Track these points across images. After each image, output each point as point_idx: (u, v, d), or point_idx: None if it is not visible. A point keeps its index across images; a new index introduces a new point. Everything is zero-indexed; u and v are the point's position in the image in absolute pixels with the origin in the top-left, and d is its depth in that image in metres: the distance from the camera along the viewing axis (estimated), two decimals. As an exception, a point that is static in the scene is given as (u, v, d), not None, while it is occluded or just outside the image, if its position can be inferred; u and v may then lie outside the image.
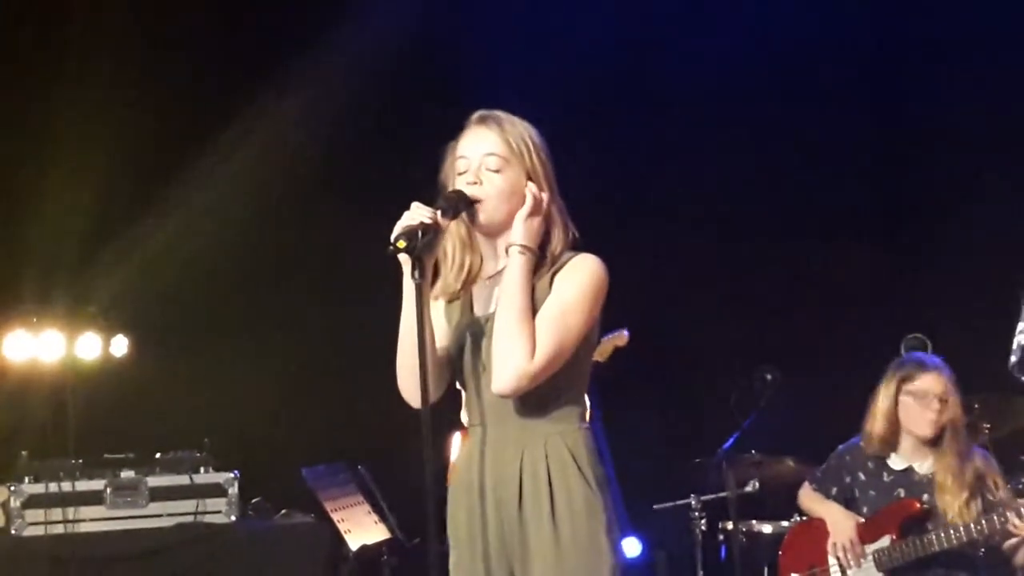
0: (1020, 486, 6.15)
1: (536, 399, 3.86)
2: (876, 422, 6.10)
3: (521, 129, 3.95)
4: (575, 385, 3.92)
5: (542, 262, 3.90)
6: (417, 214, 3.78)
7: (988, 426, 7.13)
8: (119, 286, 8.10)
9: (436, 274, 3.95)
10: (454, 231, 3.96)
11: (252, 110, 8.31)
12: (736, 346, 8.47)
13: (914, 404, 6.01)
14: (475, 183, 3.89)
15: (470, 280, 4.02)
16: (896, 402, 6.06)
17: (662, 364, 6.79)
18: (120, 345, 7.81)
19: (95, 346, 7.70)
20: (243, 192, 8.24)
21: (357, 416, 8.05)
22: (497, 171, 3.90)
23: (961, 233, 8.56)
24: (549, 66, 8.46)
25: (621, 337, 6.59)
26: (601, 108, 8.90)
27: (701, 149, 8.91)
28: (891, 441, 6.08)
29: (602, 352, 6.47)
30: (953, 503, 5.89)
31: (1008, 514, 5.71)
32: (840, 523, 6.12)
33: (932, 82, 8.81)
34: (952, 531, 5.82)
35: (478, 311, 3.98)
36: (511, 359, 3.78)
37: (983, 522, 5.79)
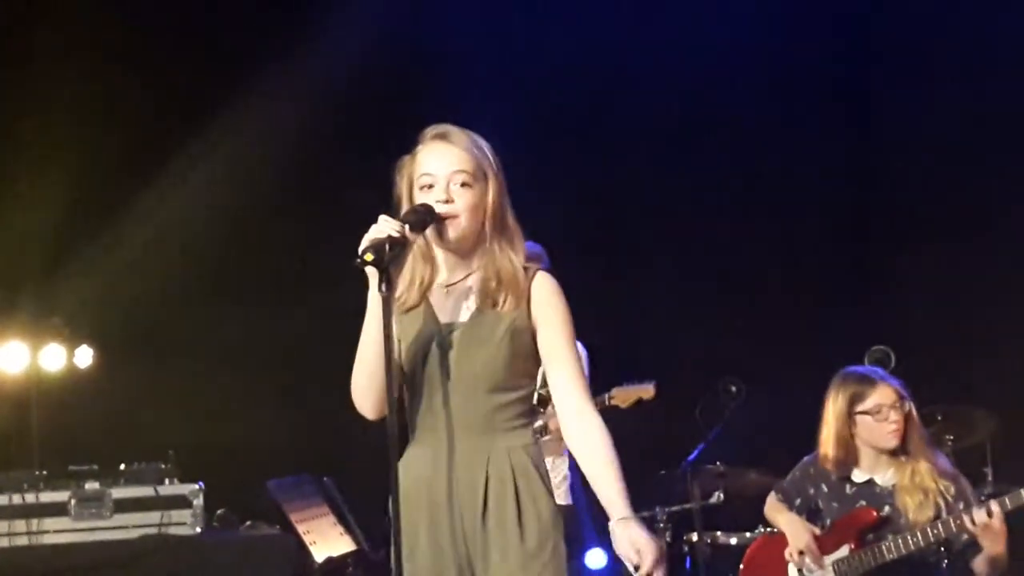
0: (983, 498, 6.16)
1: (499, 413, 3.92)
2: (830, 446, 6.07)
3: (481, 144, 4.02)
4: (531, 401, 4.01)
5: (515, 283, 3.95)
6: (385, 227, 3.79)
7: (951, 438, 7.18)
8: (84, 297, 8.09)
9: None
10: (414, 246, 3.97)
11: (216, 123, 8.32)
12: (701, 358, 8.50)
13: (872, 422, 5.99)
14: (448, 200, 3.93)
15: (425, 291, 4.04)
16: (850, 425, 6.04)
17: (627, 375, 6.78)
18: (84, 356, 7.80)
19: (59, 357, 7.68)
20: (208, 204, 8.25)
21: (322, 428, 8.04)
22: (467, 188, 3.94)
23: (924, 248, 8.61)
24: (514, 81, 8.49)
25: (648, 391, 6.62)
26: (567, 127, 8.93)
27: (668, 168, 8.95)
28: (848, 461, 6.08)
29: (625, 398, 6.52)
30: (911, 507, 5.90)
31: (963, 516, 5.73)
32: (798, 532, 6.13)
33: (898, 101, 8.87)
34: (909, 536, 5.83)
35: (443, 319, 4.00)
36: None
37: (939, 525, 5.80)
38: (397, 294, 3.98)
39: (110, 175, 8.23)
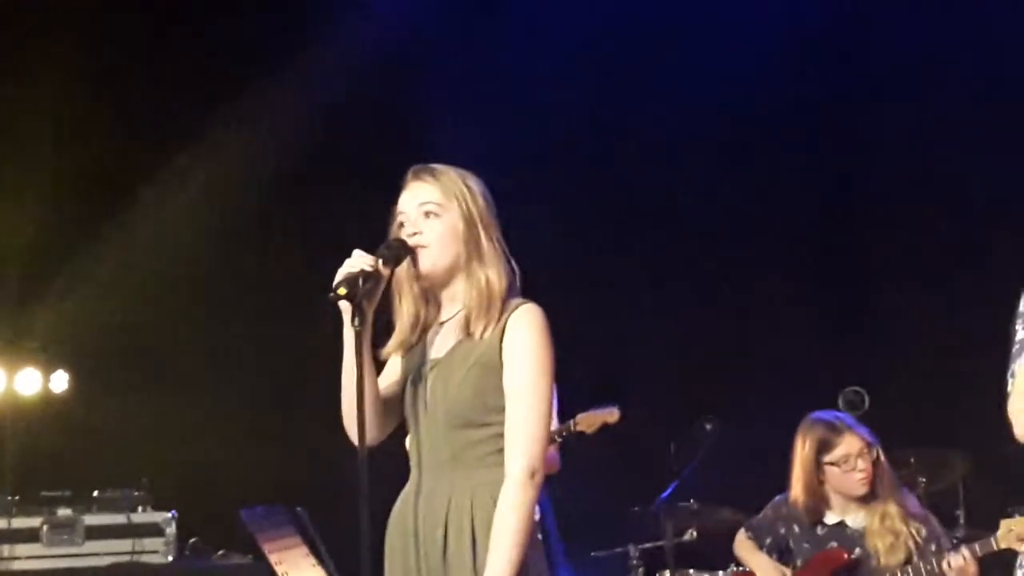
0: (955, 540, 6.17)
1: (468, 451, 3.89)
2: (799, 493, 6.10)
3: (455, 176, 4.00)
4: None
5: (490, 310, 3.92)
6: (358, 262, 3.82)
7: (924, 480, 7.20)
8: (60, 322, 8.07)
9: (376, 322, 3.96)
10: (407, 288, 4.00)
11: (194, 146, 8.31)
12: (676, 396, 8.51)
13: (839, 472, 6.01)
14: (415, 233, 3.93)
15: (425, 330, 4.06)
16: (817, 474, 6.06)
17: (596, 406, 6.78)
18: (60, 381, 7.79)
19: (35, 381, 7.67)
20: (185, 229, 8.24)
21: (296, 458, 8.04)
22: (433, 218, 3.94)
23: (899, 289, 8.65)
24: (502, 112, 8.50)
25: (612, 414, 6.59)
26: (550, 160, 8.94)
27: (647, 205, 8.96)
28: (819, 508, 6.10)
29: (589, 424, 6.49)
30: (882, 550, 5.91)
31: (938, 561, 5.74)
32: (769, 574, 6.15)
33: (881, 140, 8.91)
34: (879, 578, 5.87)
35: (432, 354, 4.01)
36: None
37: (910, 569, 5.82)
38: (399, 336, 4.02)
39: (85, 199, 8.22)
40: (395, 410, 4.04)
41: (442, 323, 4.03)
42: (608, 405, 6.57)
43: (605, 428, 6.59)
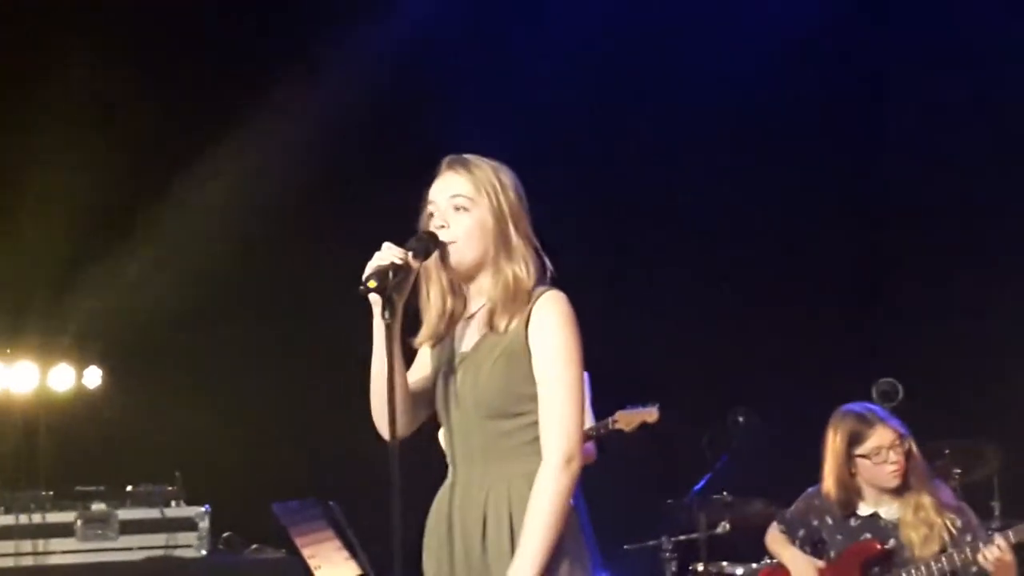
0: (990, 531, 6.14)
1: (502, 441, 3.90)
2: (831, 486, 6.07)
3: (488, 170, 3.99)
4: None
5: (514, 304, 3.92)
6: (388, 255, 3.82)
7: (958, 471, 7.16)
8: (93, 317, 8.09)
9: (405, 314, 3.96)
10: (435, 278, 4.01)
11: (227, 142, 8.33)
12: (708, 387, 8.49)
13: (871, 464, 5.98)
14: (443, 226, 3.93)
15: (453, 322, 4.06)
16: (849, 466, 6.03)
17: (635, 404, 6.78)
18: (93, 376, 7.80)
19: (68, 377, 7.69)
20: (217, 225, 8.26)
21: (329, 451, 8.05)
22: (463, 212, 3.94)
23: (934, 280, 8.61)
24: (522, 109, 8.50)
25: (651, 414, 6.60)
26: (577, 145, 8.94)
27: (677, 194, 8.95)
28: (851, 500, 6.08)
29: (628, 422, 6.51)
30: (916, 541, 5.88)
31: (974, 552, 5.72)
32: (802, 569, 6.13)
33: (910, 130, 8.88)
34: (914, 570, 5.83)
35: (461, 347, 4.01)
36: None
37: (943, 559, 5.80)
38: (428, 328, 4.03)
39: (119, 195, 8.24)
40: (425, 403, 4.05)
41: (469, 317, 4.03)
42: (648, 404, 6.57)
43: (644, 427, 6.61)
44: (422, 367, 4.09)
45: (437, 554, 3.97)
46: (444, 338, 4.05)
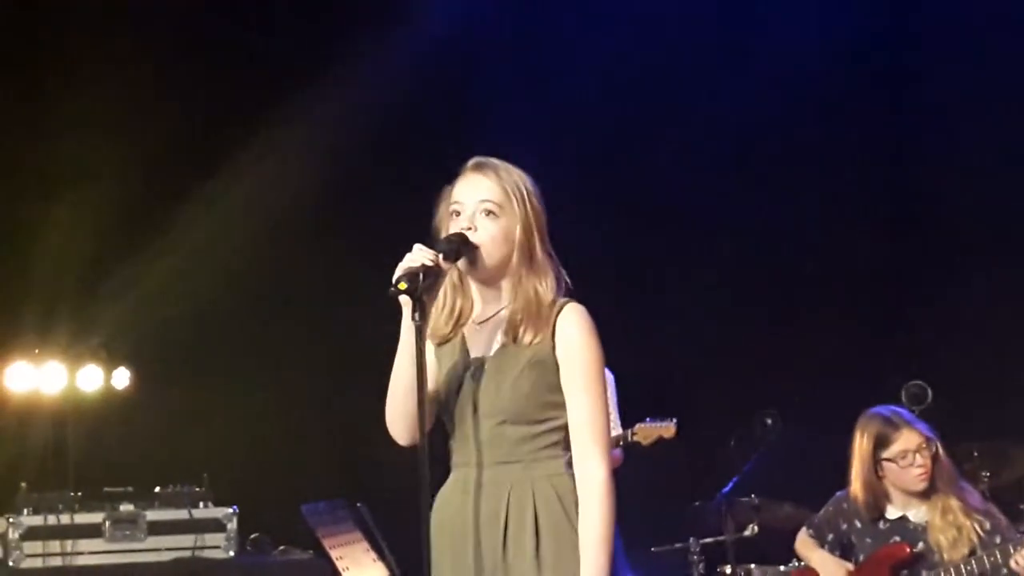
0: (1020, 533, 6.12)
1: (525, 445, 3.91)
2: (859, 489, 6.06)
3: (516, 177, 3.99)
4: (565, 431, 3.94)
5: (539, 319, 3.92)
6: (419, 256, 3.82)
7: (987, 474, 7.13)
8: (122, 318, 8.11)
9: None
10: (448, 277, 4.00)
11: (254, 145, 8.34)
12: (737, 390, 8.48)
13: (897, 468, 5.97)
14: (470, 229, 3.93)
15: (460, 324, 4.06)
16: (876, 470, 6.02)
17: (662, 407, 6.79)
18: (122, 377, 7.83)
19: (96, 378, 7.71)
20: (245, 226, 8.27)
21: (358, 453, 8.05)
22: (492, 218, 3.94)
23: (962, 282, 8.59)
24: (548, 116, 8.51)
25: (668, 429, 6.74)
26: (600, 164, 8.94)
27: (703, 198, 8.93)
28: (879, 503, 6.06)
29: (646, 435, 6.66)
30: (945, 544, 5.87)
31: (1003, 557, 5.70)
32: (831, 572, 6.12)
33: (940, 133, 8.86)
34: (943, 572, 5.82)
35: (475, 353, 4.01)
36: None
37: (973, 562, 5.78)
38: (434, 324, 4.02)
39: (147, 197, 8.26)
40: (435, 404, 4.04)
41: (480, 322, 4.03)
42: (666, 419, 6.67)
43: (660, 441, 6.73)
44: (429, 364, 4.04)
45: (451, 558, 3.95)
46: (451, 339, 4.05)
